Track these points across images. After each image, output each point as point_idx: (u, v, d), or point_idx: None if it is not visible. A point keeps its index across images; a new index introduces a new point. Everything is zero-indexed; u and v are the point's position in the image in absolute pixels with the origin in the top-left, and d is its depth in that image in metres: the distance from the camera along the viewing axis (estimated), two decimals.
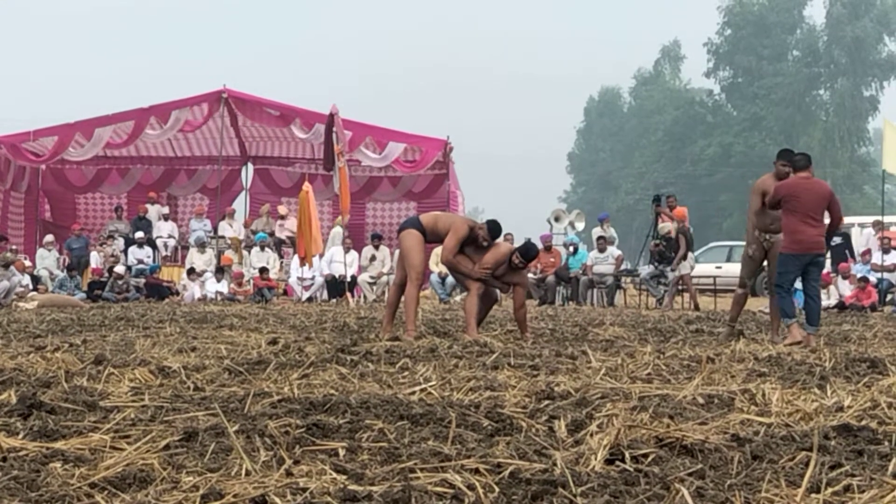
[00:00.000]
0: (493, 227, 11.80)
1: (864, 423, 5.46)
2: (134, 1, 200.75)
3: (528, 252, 11.84)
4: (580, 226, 29.97)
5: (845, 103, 72.53)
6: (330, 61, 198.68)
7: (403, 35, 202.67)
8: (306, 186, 23.91)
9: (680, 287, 23.91)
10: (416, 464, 4.37)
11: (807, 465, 4.28)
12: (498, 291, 12.60)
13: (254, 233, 27.68)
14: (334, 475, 4.19)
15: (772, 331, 12.58)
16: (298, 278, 24.81)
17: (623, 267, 26.06)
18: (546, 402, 6.30)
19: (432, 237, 11.94)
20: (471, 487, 3.97)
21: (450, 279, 24.33)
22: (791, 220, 11.72)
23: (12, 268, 21.95)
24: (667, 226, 23.43)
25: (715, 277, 26.58)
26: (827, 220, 12.01)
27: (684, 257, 23.61)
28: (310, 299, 24.37)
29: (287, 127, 27.27)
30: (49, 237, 27.16)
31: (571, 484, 4.00)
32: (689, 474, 4.23)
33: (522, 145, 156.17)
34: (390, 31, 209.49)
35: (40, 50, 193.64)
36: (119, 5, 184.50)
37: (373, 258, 25.51)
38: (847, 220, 28.95)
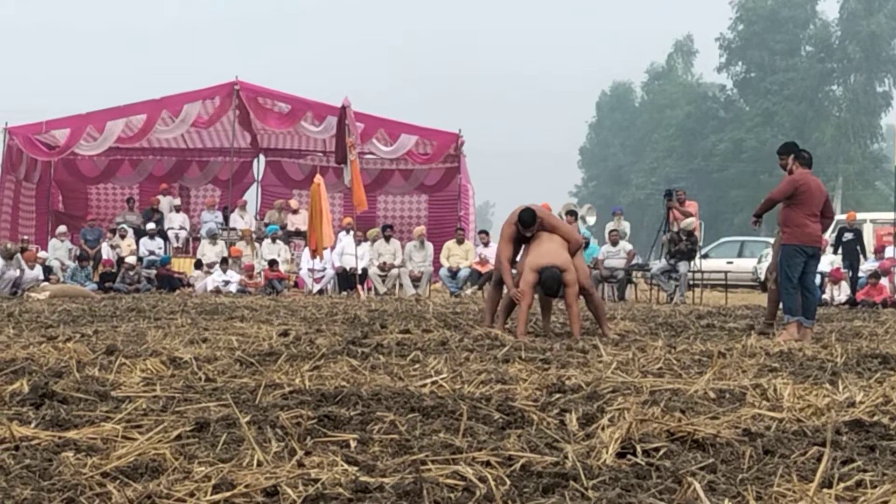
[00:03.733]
0: (522, 218, 11.72)
1: (875, 418, 5.46)
2: None
3: (545, 285, 11.57)
4: (591, 220, 29.88)
5: (858, 99, 72.30)
6: (342, 56, 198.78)
7: (416, 30, 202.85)
8: (318, 179, 23.88)
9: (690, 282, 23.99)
10: (427, 456, 4.38)
11: (819, 460, 4.28)
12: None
13: (266, 225, 27.69)
14: (346, 466, 4.20)
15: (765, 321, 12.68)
16: (309, 270, 24.80)
17: (634, 261, 25.99)
18: (557, 395, 6.30)
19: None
20: (482, 480, 3.97)
21: (461, 273, 24.34)
22: (798, 214, 11.84)
23: (20, 258, 21.93)
24: (691, 221, 23.38)
25: (726, 273, 26.55)
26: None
27: None
28: (320, 291, 24.35)
29: (298, 123, 27.19)
30: (62, 228, 27.17)
31: (583, 477, 4.01)
32: (701, 468, 4.24)
33: (534, 140, 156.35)
34: (402, 26, 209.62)
35: (51, 42, 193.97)
36: None
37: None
38: (859, 216, 28.98)
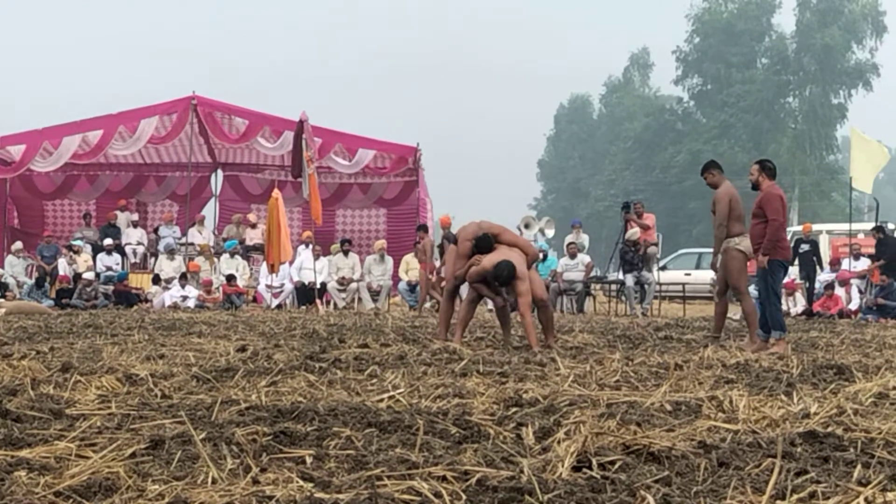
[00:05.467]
0: (479, 246, 11.84)
1: (829, 429, 5.49)
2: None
3: (497, 269, 11.64)
4: (550, 233, 29.96)
5: (814, 111, 72.91)
6: (296, 66, 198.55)
7: (374, 39, 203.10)
8: (275, 193, 23.84)
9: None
10: (383, 471, 4.37)
11: (772, 471, 4.30)
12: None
13: (224, 240, 27.59)
14: (301, 483, 4.19)
15: (749, 337, 12.73)
16: (267, 286, 24.74)
17: (593, 274, 26.07)
18: (514, 409, 6.31)
19: None
20: (437, 495, 3.97)
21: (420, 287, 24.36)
22: (780, 229, 11.93)
23: None
24: (636, 231, 23.48)
25: (684, 284, 26.64)
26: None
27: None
28: (279, 306, 24.30)
29: (254, 139, 27.04)
30: (18, 244, 26.91)
31: (538, 491, 4.01)
32: (656, 481, 4.24)
33: (492, 153, 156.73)
34: (361, 37, 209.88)
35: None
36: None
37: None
38: (815, 227, 29.21)
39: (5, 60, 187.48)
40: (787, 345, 11.79)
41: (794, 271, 24.51)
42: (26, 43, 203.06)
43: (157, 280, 25.24)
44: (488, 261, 11.55)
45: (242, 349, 10.60)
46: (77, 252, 26.52)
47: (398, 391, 7.03)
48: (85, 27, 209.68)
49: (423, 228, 25.17)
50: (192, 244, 27.30)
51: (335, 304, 24.58)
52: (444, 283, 12.77)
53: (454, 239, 12.26)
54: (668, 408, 6.32)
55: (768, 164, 12.41)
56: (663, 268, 29.62)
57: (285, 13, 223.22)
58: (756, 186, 12.23)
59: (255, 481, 4.23)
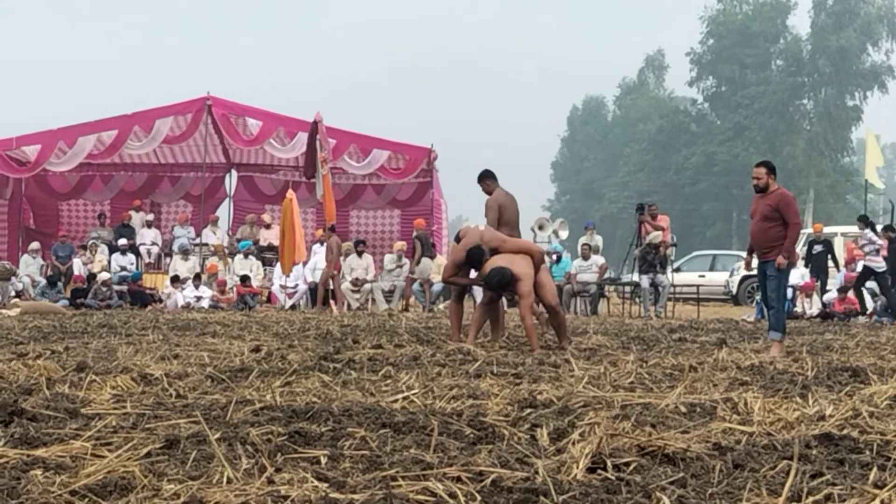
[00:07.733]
0: (471, 255, 11.90)
1: (845, 432, 5.47)
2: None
3: (489, 276, 11.72)
4: (564, 234, 29.96)
5: (829, 113, 72.71)
6: (311, 68, 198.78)
7: (389, 39, 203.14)
8: (290, 194, 23.88)
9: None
10: (397, 472, 4.37)
11: (788, 473, 4.29)
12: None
13: (238, 241, 27.61)
14: (316, 483, 4.19)
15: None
16: (281, 286, 24.76)
17: (607, 275, 26.02)
18: (528, 410, 6.30)
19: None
20: (452, 496, 3.96)
21: (435, 287, 24.32)
22: (790, 233, 11.82)
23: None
24: (658, 234, 23.42)
25: (698, 286, 26.61)
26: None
27: (418, 262, 24.10)
28: (293, 307, 24.31)
29: (266, 142, 27.01)
30: (35, 244, 26.91)
31: (553, 492, 4.00)
32: (671, 483, 4.24)
33: (506, 154, 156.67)
34: (374, 42, 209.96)
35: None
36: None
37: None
38: (828, 229, 29.13)
39: (21, 61, 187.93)
40: (783, 346, 11.72)
41: (807, 273, 24.42)
42: (40, 43, 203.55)
43: (175, 280, 25.21)
44: (488, 266, 11.64)
45: (257, 349, 10.61)
46: (94, 251, 26.58)
47: (412, 392, 7.02)
48: (98, 28, 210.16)
49: (331, 229, 25.30)
50: (206, 244, 27.32)
51: (349, 305, 24.57)
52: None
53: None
54: (683, 409, 6.31)
55: (772, 165, 12.32)
56: (677, 270, 29.60)
57: (297, 20, 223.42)
58: (763, 189, 12.07)
59: (270, 481, 4.24)
